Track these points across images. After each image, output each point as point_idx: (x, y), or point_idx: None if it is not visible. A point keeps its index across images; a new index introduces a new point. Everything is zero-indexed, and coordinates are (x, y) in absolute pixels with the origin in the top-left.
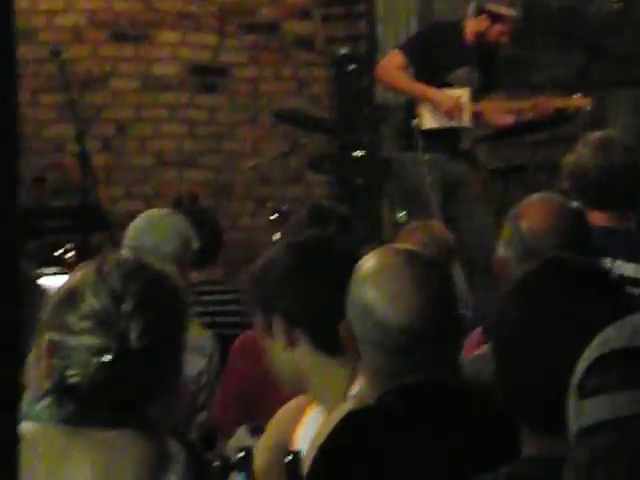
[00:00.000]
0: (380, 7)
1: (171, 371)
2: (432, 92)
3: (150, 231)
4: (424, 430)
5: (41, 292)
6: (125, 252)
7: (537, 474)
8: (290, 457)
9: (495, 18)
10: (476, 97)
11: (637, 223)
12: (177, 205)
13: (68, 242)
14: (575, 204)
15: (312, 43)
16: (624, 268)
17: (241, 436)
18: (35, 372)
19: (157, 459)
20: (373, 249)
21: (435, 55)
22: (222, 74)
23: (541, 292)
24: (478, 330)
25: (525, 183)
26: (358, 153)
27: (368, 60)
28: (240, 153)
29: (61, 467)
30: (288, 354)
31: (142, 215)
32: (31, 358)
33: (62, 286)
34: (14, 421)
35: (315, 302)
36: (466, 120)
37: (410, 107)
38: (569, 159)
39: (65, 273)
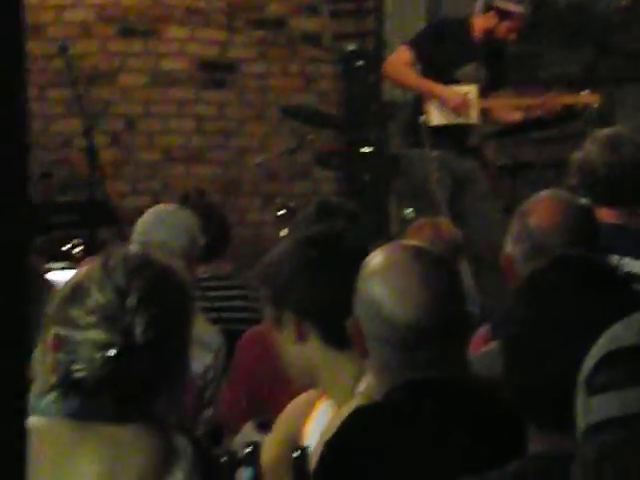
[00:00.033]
0: (388, 3)
1: (177, 366)
2: (440, 88)
3: (158, 226)
4: (431, 427)
5: (49, 287)
6: (132, 247)
7: (544, 471)
8: (298, 452)
9: (503, 15)
10: (484, 94)
11: None
12: (185, 200)
13: (76, 237)
14: (583, 201)
15: (320, 39)
16: (632, 265)
17: (248, 431)
18: (41, 367)
19: (164, 454)
20: (380, 245)
21: (443, 52)
22: (230, 70)
23: (549, 289)
24: (485, 327)
25: (533, 180)
26: (366, 149)
27: (376, 56)
28: (248, 149)
29: (68, 462)
30: (298, 348)
31: (150, 210)
32: (37, 353)
33: (68, 281)
34: (22, 415)
35: (325, 296)
36: (474, 117)
37: (418, 103)
38: (577, 156)
39: (73, 268)
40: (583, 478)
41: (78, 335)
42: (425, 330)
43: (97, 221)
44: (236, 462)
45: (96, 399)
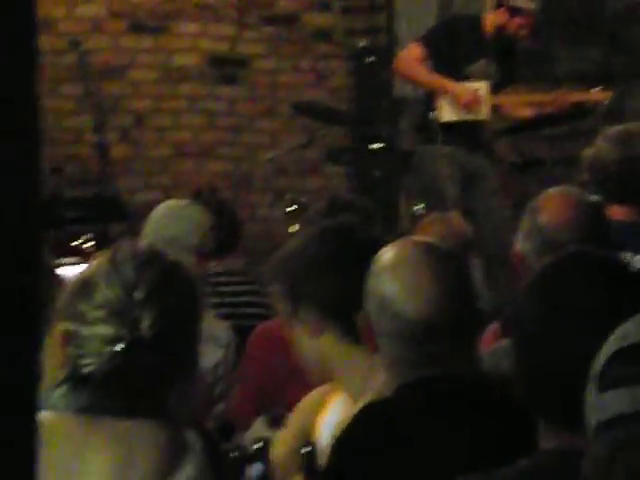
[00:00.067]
0: (400, 0)
1: (186, 361)
2: (451, 85)
3: (170, 222)
4: (442, 422)
5: (59, 282)
6: (143, 242)
7: (555, 468)
8: (307, 448)
9: (514, 11)
10: (495, 90)
11: None
12: (196, 196)
13: (86, 233)
14: (594, 198)
15: (331, 35)
16: None
17: (258, 427)
18: (50, 361)
19: (174, 449)
20: (391, 241)
21: (454, 48)
22: (241, 65)
23: (561, 286)
24: (495, 324)
25: (543, 177)
26: (376, 145)
27: (387, 53)
28: (259, 145)
29: (78, 456)
30: (314, 342)
31: (161, 206)
32: (47, 347)
33: (77, 276)
34: (33, 409)
35: (343, 290)
36: (485, 113)
37: (429, 100)
38: (588, 153)
39: (83, 263)
40: (594, 475)
41: (86, 330)
42: (435, 326)
43: (108, 216)
44: (246, 458)
45: (105, 393)
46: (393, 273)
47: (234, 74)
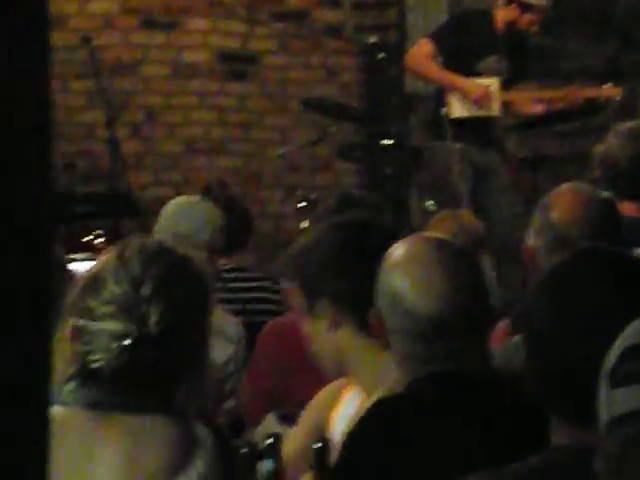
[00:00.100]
0: None
1: (195, 356)
2: (461, 81)
3: (183, 218)
4: (453, 418)
5: (71, 277)
6: (155, 238)
7: (567, 464)
8: (319, 444)
9: (525, 7)
10: (506, 86)
11: None
12: (207, 192)
13: (98, 228)
14: (605, 194)
15: (342, 31)
16: None
17: (269, 423)
18: (60, 357)
19: (185, 444)
20: (402, 238)
21: (465, 44)
22: (252, 62)
23: (573, 282)
24: (505, 321)
25: (554, 173)
26: (387, 142)
27: (398, 49)
28: (269, 141)
29: (89, 451)
30: (331, 335)
31: (173, 202)
32: (56, 343)
33: (86, 272)
34: (45, 405)
35: (359, 284)
36: (496, 109)
37: (440, 96)
38: (599, 149)
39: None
40: (605, 471)
41: (94, 325)
42: (446, 322)
43: (119, 212)
44: (257, 454)
45: (114, 389)
46: (404, 269)
47: (244, 70)
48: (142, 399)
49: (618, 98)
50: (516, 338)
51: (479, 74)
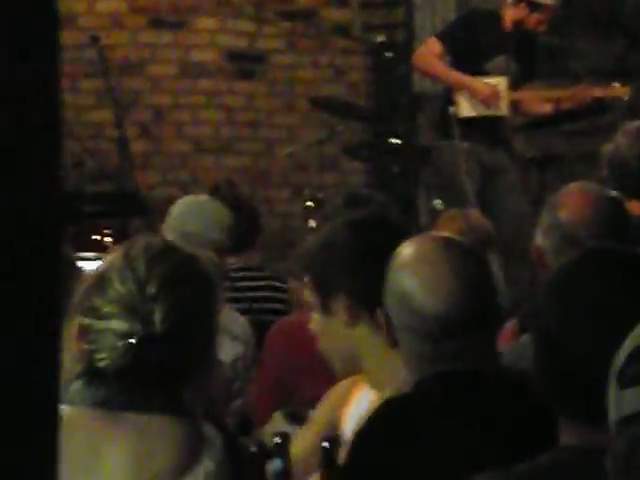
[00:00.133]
0: None
1: (201, 355)
2: (469, 80)
3: (194, 218)
4: (461, 418)
5: (79, 276)
6: (166, 237)
7: (575, 463)
8: (327, 443)
9: (533, 6)
10: (514, 85)
11: None
12: (215, 191)
13: (106, 227)
14: (614, 193)
15: (349, 30)
16: None
17: (277, 422)
18: (66, 355)
19: (193, 443)
20: (410, 237)
21: (473, 43)
22: (259, 61)
23: (581, 281)
24: (513, 320)
25: (562, 172)
26: (394, 141)
27: (406, 48)
28: (277, 140)
29: (97, 451)
30: (347, 333)
31: (183, 201)
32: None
33: (93, 271)
34: (54, 403)
35: (378, 282)
36: (504, 109)
37: (448, 95)
38: (607, 148)
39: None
40: (613, 470)
41: (100, 324)
42: (455, 322)
43: (127, 211)
44: (265, 453)
45: (120, 388)
46: (413, 269)
47: (252, 69)
48: (149, 398)
49: (626, 97)
50: (524, 337)
51: (487, 73)
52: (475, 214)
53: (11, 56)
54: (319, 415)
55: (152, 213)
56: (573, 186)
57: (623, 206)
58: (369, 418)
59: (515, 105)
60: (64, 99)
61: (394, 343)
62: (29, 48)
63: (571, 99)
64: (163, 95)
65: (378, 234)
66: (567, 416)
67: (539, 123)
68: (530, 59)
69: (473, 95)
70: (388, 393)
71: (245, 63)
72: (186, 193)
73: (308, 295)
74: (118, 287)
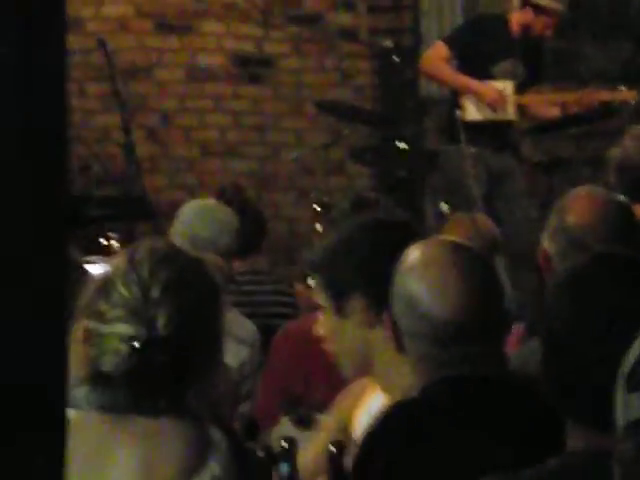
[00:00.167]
0: None
1: (205, 359)
2: (475, 84)
3: (197, 222)
4: (468, 423)
5: (86, 280)
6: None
7: (582, 468)
8: (333, 448)
9: (540, 11)
10: (521, 89)
11: None
12: (221, 195)
13: (113, 231)
14: (621, 198)
15: (356, 35)
16: None
17: (284, 426)
18: (72, 359)
19: (199, 446)
20: (416, 241)
21: (480, 48)
22: (266, 65)
23: (590, 285)
24: (520, 324)
25: (569, 176)
26: (400, 145)
27: (412, 52)
28: (283, 144)
29: (104, 454)
30: (362, 335)
31: (188, 205)
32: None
33: (98, 275)
34: (62, 407)
35: None
36: (510, 112)
37: (455, 100)
38: (615, 152)
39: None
40: (620, 475)
41: (105, 328)
42: (462, 326)
43: (134, 215)
44: (272, 457)
45: (126, 392)
46: (420, 273)
47: (259, 73)
48: (155, 402)
49: (633, 101)
50: (532, 341)
51: (494, 77)
52: (482, 218)
53: (19, 60)
54: (330, 421)
55: (159, 217)
56: (580, 190)
57: (630, 210)
58: (376, 422)
59: (522, 109)
60: (71, 103)
61: (401, 347)
62: (37, 52)
63: (578, 103)
64: (170, 99)
65: (394, 236)
66: (575, 420)
67: (546, 127)
68: (537, 63)
69: (480, 99)
70: (395, 398)
71: (252, 67)
72: (193, 197)
73: (318, 296)
74: (122, 291)
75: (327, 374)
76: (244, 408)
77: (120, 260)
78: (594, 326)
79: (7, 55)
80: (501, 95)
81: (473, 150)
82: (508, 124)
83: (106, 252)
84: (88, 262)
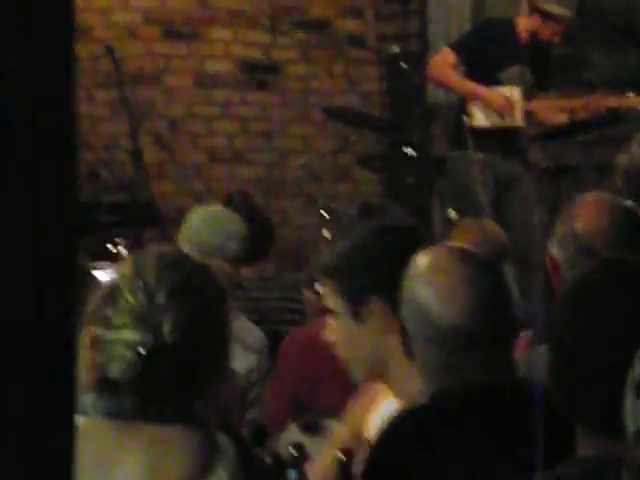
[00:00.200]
0: (432, 5)
1: (211, 365)
2: (483, 90)
3: (205, 228)
4: (477, 430)
5: (93, 286)
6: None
7: (592, 475)
8: (342, 456)
9: (548, 17)
10: (528, 96)
11: None
12: (229, 202)
13: (120, 237)
14: (629, 203)
15: (364, 41)
16: None
17: (292, 433)
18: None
19: (207, 453)
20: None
21: (487, 54)
22: (274, 71)
23: (598, 292)
24: (528, 331)
25: (577, 182)
26: (408, 151)
27: (420, 58)
28: (291, 150)
29: (111, 461)
30: (379, 340)
31: (196, 211)
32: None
33: (106, 281)
34: (70, 413)
35: None
36: (518, 119)
37: (462, 105)
38: (622, 159)
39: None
40: None
41: (111, 335)
42: (471, 333)
43: (142, 221)
44: (280, 463)
45: (133, 398)
46: (429, 280)
47: (267, 80)
48: (161, 408)
49: None
50: (540, 348)
51: (501, 83)
52: (490, 224)
53: (27, 67)
54: (342, 427)
55: (166, 223)
56: (588, 196)
57: (638, 216)
58: (385, 429)
59: (530, 115)
60: (80, 110)
61: (409, 353)
62: (45, 59)
63: (585, 109)
64: (178, 106)
65: (407, 241)
66: (584, 426)
67: (554, 133)
68: (544, 69)
69: (487, 105)
70: (404, 404)
71: (260, 74)
72: (200, 203)
73: (331, 302)
74: (128, 297)
75: (335, 380)
76: (252, 415)
77: (126, 266)
78: (602, 332)
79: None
80: (508, 101)
81: (480, 156)
82: (515, 130)
83: (114, 258)
84: (96, 268)
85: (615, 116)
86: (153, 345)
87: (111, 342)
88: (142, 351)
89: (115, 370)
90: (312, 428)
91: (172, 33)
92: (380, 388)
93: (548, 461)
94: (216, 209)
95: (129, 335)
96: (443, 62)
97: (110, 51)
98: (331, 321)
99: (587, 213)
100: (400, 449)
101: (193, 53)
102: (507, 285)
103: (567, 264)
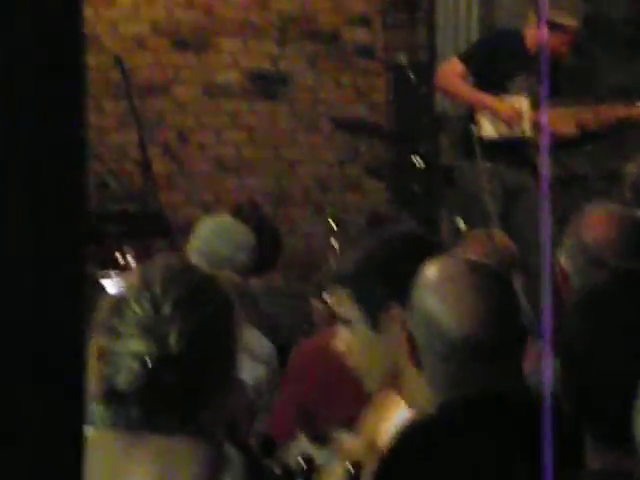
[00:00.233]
0: (440, 15)
1: (218, 375)
2: (491, 100)
3: (214, 239)
4: (485, 441)
5: (102, 296)
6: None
7: None
8: (351, 468)
9: (555, 28)
10: (537, 106)
11: None
12: (237, 212)
13: (129, 247)
14: (638, 213)
15: (372, 51)
16: None
17: (301, 444)
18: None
19: (214, 463)
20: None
21: (495, 64)
22: (282, 82)
23: (608, 302)
24: (538, 341)
25: (586, 192)
26: (416, 161)
27: (428, 69)
28: (299, 160)
29: (119, 472)
30: (396, 349)
31: (205, 222)
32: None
33: (113, 292)
34: (80, 425)
35: None
36: (526, 129)
37: (470, 116)
38: (631, 169)
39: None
40: None
41: (118, 346)
42: (480, 343)
43: (151, 232)
44: (289, 474)
45: (140, 409)
46: (438, 290)
47: (275, 90)
48: (168, 419)
49: None
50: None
51: (509, 94)
52: (499, 235)
53: (37, 78)
54: (355, 438)
55: (175, 233)
56: (597, 207)
57: None
58: (394, 440)
59: (538, 125)
60: (89, 120)
61: (417, 362)
62: (55, 70)
63: (594, 119)
64: (186, 116)
65: (425, 248)
66: (594, 439)
67: (563, 143)
68: (553, 79)
69: (495, 115)
70: (412, 415)
71: (268, 84)
72: (209, 213)
73: (345, 311)
74: (135, 308)
75: (345, 390)
76: (261, 425)
77: (133, 277)
78: (612, 344)
79: (25, 71)
80: (517, 111)
81: (488, 166)
82: (524, 140)
83: (122, 268)
84: (105, 277)
85: (624, 126)
86: (159, 356)
87: (118, 353)
88: (148, 362)
89: (122, 381)
90: (320, 439)
91: (181, 44)
92: (393, 397)
93: (556, 473)
94: (225, 220)
95: (135, 346)
96: (451, 72)
97: (119, 62)
98: (342, 330)
99: (596, 224)
100: (407, 460)
101: (202, 64)
102: (516, 295)
103: (576, 275)
